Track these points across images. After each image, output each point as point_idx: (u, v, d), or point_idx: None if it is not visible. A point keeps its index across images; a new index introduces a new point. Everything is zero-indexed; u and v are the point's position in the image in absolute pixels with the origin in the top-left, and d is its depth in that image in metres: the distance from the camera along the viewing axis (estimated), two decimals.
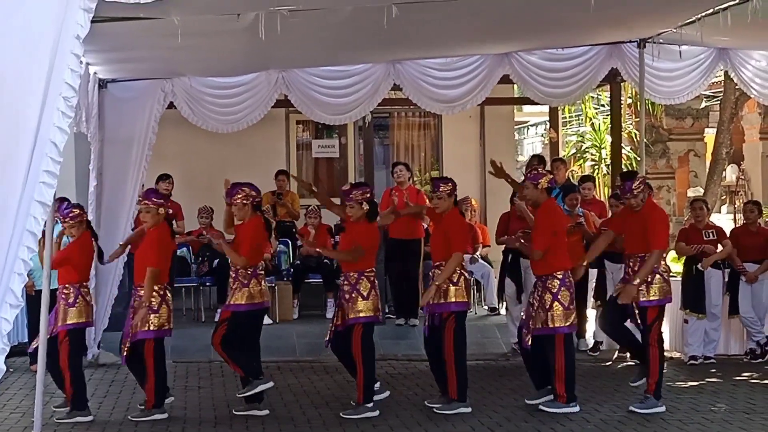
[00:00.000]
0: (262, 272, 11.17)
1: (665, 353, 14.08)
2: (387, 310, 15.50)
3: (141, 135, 13.78)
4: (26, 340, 13.07)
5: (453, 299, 10.92)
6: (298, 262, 16.30)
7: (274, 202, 16.95)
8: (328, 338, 11.03)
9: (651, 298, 10.88)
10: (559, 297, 10.79)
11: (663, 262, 11.05)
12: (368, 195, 11.03)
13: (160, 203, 10.89)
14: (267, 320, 15.19)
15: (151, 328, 10.68)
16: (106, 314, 13.59)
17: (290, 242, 16.77)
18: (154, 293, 10.64)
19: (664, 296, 10.96)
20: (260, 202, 11.26)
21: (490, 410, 11.01)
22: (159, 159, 15.21)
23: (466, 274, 11.20)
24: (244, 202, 10.96)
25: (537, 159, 15.85)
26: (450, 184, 11.21)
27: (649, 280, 10.85)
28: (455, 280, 10.93)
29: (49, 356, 10.00)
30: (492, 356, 14.29)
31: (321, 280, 16.03)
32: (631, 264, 11.04)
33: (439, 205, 11.15)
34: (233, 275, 10.95)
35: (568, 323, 10.85)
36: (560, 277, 10.84)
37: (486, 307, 16.50)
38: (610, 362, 13.77)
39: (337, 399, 11.31)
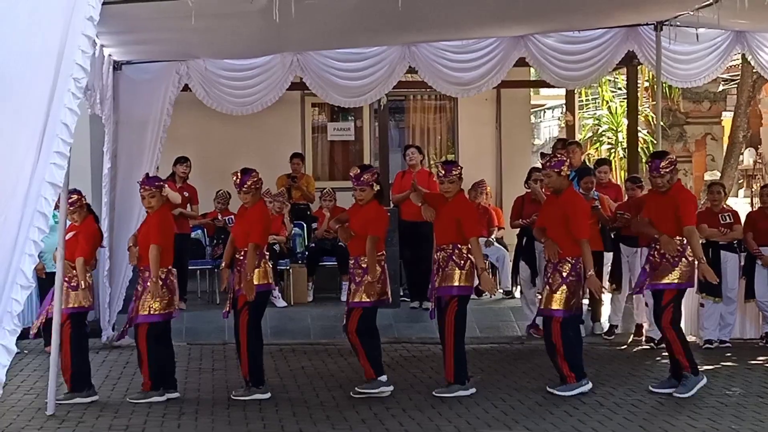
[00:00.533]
0: (267, 253, 11.21)
1: None
2: (402, 294, 15.51)
3: (156, 117, 13.79)
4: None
5: (457, 283, 10.90)
6: (313, 245, 16.29)
7: (289, 185, 16.93)
8: (344, 322, 11.03)
9: (672, 281, 10.83)
10: (567, 281, 10.77)
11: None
12: (377, 175, 11.05)
13: (160, 185, 10.97)
14: (281, 302, 15.36)
15: (152, 312, 10.71)
16: (120, 296, 13.63)
17: (305, 225, 16.76)
18: (155, 277, 10.68)
19: (686, 280, 10.90)
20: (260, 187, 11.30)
21: (504, 393, 10.99)
22: (174, 141, 15.20)
23: (472, 258, 11.15)
24: (256, 186, 10.97)
25: (561, 143, 15.78)
26: (459, 168, 11.18)
27: (673, 261, 10.81)
28: (462, 264, 10.91)
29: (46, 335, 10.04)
30: (506, 339, 14.27)
31: (336, 263, 16.01)
32: (658, 247, 10.98)
33: (450, 189, 11.12)
34: (240, 258, 10.97)
35: (568, 308, 10.83)
36: (573, 262, 10.82)
37: (501, 291, 16.47)
38: (625, 346, 13.74)
39: (351, 381, 11.30)
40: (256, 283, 10.83)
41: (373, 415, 10.05)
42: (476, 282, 11.21)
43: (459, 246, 10.92)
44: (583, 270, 10.86)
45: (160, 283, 10.71)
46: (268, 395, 10.87)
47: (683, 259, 10.81)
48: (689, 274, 10.90)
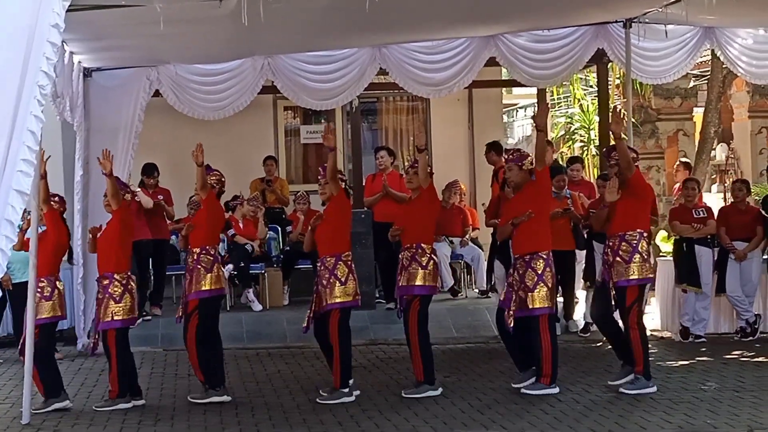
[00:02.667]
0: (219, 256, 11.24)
1: (657, 333, 14.22)
2: (377, 295, 15.51)
3: (127, 123, 13.79)
4: (13, 332, 13.10)
5: (419, 282, 10.92)
6: (288, 248, 16.27)
7: (263, 189, 16.94)
8: (305, 325, 11.01)
9: (630, 278, 10.78)
10: (544, 277, 10.75)
11: (644, 242, 10.91)
12: (343, 177, 11.10)
13: (125, 190, 11.03)
14: (257, 306, 15.35)
15: (115, 318, 10.67)
16: (95, 304, 13.54)
17: (279, 228, 16.75)
18: (116, 282, 10.65)
19: (644, 276, 10.86)
20: (222, 192, 11.34)
21: (480, 393, 11.01)
22: (146, 147, 15.18)
23: (436, 258, 11.16)
24: (214, 185, 10.98)
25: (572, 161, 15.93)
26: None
27: (627, 258, 10.78)
28: (424, 264, 10.92)
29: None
30: (482, 339, 14.30)
31: (311, 266, 15.97)
32: (611, 244, 10.99)
33: (413, 181, 11.12)
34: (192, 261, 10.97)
35: (551, 304, 10.82)
36: (545, 256, 10.80)
37: (477, 290, 16.50)
38: (601, 343, 13.77)
39: (326, 384, 11.27)
40: (207, 288, 10.82)
41: (350, 417, 10.05)
42: (440, 282, 11.21)
43: (422, 246, 10.93)
44: (553, 263, 10.85)
45: (121, 288, 10.68)
46: (225, 398, 10.85)
47: (636, 255, 10.76)
48: (646, 269, 10.85)
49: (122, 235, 10.79)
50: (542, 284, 10.72)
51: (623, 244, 10.81)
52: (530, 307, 10.76)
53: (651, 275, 11.04)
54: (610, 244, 10.94)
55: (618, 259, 10.80)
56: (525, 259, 10.84)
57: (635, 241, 10.77)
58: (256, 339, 14.41)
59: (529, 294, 10.74)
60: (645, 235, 10.88)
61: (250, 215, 16.14)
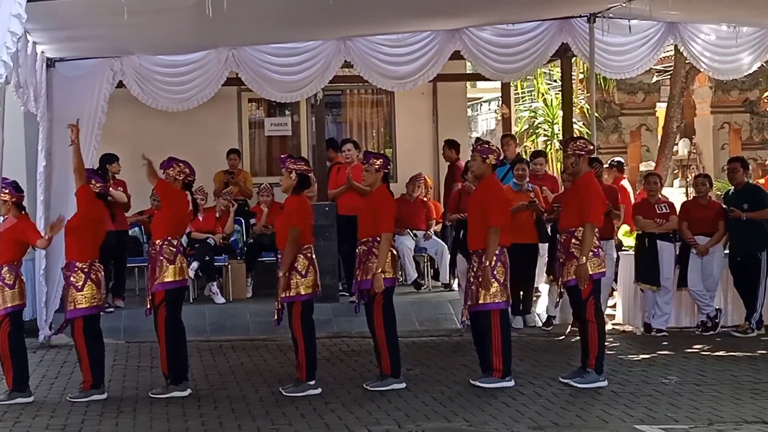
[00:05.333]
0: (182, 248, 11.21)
1: (619, 326, 14.30)
2: (341, 288, 15.50)
3: (90, 114, 13.70)
4: None
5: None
6: (251, 240, 16.24)
7: (226, 181, 16.90)
8: (276, 318, 11.00)
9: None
10: (495, 273, 10.75)
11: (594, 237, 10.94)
12: (303, 165, 11.02)
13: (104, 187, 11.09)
14: (220, 299, 15.32)
15: (77, 306, 10.65)
16: (57, 295, 13.50)
17: (243, 221, 16.72)
18: (77, 270, 10.61)
19: (597, 270, 10.86)
20: (192, 181, 11.24)
21: (443, 386, 11.04)
22: (109, 138, 15.11)
23: (394, 251, 11.15)
24: (177, 177, 10.95)
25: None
26: (381, 160, 11.13)
27: (578, 255, 10.81)
28: None
29: None
30: (445, 332, 14.32)
31: (275, 258, 15.95)
32: (563, 240, 11.04)
33: (366, 178, 11.14)
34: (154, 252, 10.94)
35: (503, 299, 10.85)
36: (497, 252, 10.78)
37: (440, 284, 16.53)
38: (563, 336, 13.84)
39: (290, 377, 11.28)
40: (170, 279, 10.79)
41: (312, 410, 10.04)
42: (400, 274, 11.20)
43: (378, 239, 10.91)
44: (507, 258, 10.86)
45: (83, 276, 10.64)
46: (187, 392, 10.82)
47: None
48: (597, 263, 10.87)
49: (85, 224, 10.73)
50: (493, 279, 10.74)
51: (573, 239, 10.87)
52: (481, 302, 10.80)
53: (603, 269, 11.06)
54: (562, 239, 11.01)
55: (569, 256, 10.86)
56: (478, 254, 10.86)
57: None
58: (219, 331, 14.38)
59: (482, 289, 10.77)
60: (595, 230, 10.91)
61: (222, 209, 16.11)
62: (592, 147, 11.34)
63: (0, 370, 10.82)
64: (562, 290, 11.18)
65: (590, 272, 10.76)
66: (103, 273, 10.95)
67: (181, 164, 11.04)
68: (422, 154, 19.22)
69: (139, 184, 15.61)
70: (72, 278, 10.64)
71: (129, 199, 15.61)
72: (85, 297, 10.65)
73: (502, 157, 12.96)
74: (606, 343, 11.19)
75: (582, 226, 10.79)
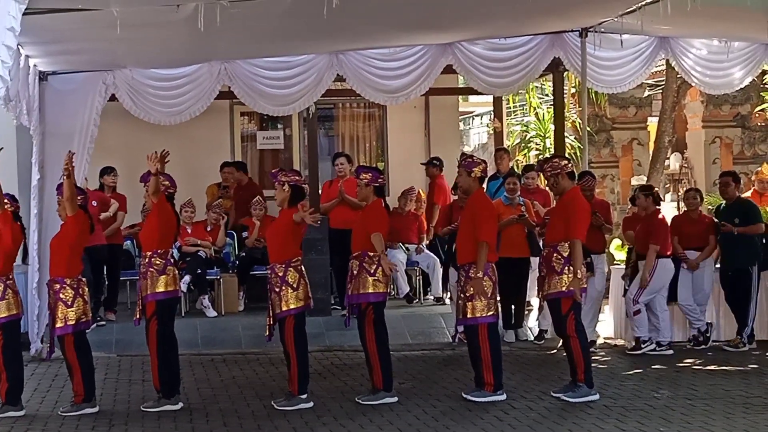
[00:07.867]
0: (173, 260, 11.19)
1: (610, 341, 14.30)
2: (333, 302, 15.50)
3: (83, 128, 13.72)
4: None
5: (371, 290, 10.92)
6: (244, 254, 16.23)
7: (220, 195, 16.91)
8: (267, 333, 11.01)
9: (562, 289, 10.86)
10: (483, 286, 10.77)
11: None
12: (296, 178, 11.02)
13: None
14: (212, 312, 15.30)
15: (68, 322, 10.64)
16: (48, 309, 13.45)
17: (235, 234, 16.71)
18: (66, 287, 10.61)
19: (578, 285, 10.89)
20: (173, 193, 11.21)
21: (435, 399, 11.03)
22: (102, 152, 15.14)
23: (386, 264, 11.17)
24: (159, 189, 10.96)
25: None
26: (370, 175, 11.15)
27: (559, 270, 10.84)
28: (372, 271, 10.93)
29: None
30: (437, 346, 14.31)
31: (267, 272, 15.93)
32: (545, 254, 11.06)
33: (357, 193, 11.21)
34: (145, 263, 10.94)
35: (491, 313, 10.86)
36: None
37: (432, 297, 16.52)
38: (555, 350, 13.81)
39: (282, 390, 11.27)
40: (162, 290, 10.80)
41: (304, 424, 10.05)
42: (391, 287, 11.24)
43: (369, 254, 10.92)
44: (495, 272, 10.89)
45: (73, 292, 10.64)
46: (179, 406, 10.81)
47: (568, 266, 10.82)
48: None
49: (75, 241, 10.75)
50: (481, 294, 10.76)
51: (555, 254, 10.89)
52: (469, 316, 10.81)
53: (584, 285, 11.04)
54: (544, 254, 11.05)
55: (550, 270, 10.88)
56: (465, 269, 10.90)
57: (567, 252, 10.85)
58: (211, 345, 14.36)
59: (470, 303, 10.78)
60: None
61: (212, 222, 16.11)
62: (566, 162, 11.33)
63: None
64: (542, 303, 11.20)
65: (571, 288, 10.80)
66: (86, 287, 10.96)
67: (160, 177, 11.01)
68: (414, 167, 19.17)
69: (131, 197, 15.69)
70: (61, 294, 10.63)
71: (125, 212, 15.58)
72: (75, 312, 10.65)
73: (494, 171, 12.97)
74: (597, 357, 11.19)
75: (566, 241, 10.82)
